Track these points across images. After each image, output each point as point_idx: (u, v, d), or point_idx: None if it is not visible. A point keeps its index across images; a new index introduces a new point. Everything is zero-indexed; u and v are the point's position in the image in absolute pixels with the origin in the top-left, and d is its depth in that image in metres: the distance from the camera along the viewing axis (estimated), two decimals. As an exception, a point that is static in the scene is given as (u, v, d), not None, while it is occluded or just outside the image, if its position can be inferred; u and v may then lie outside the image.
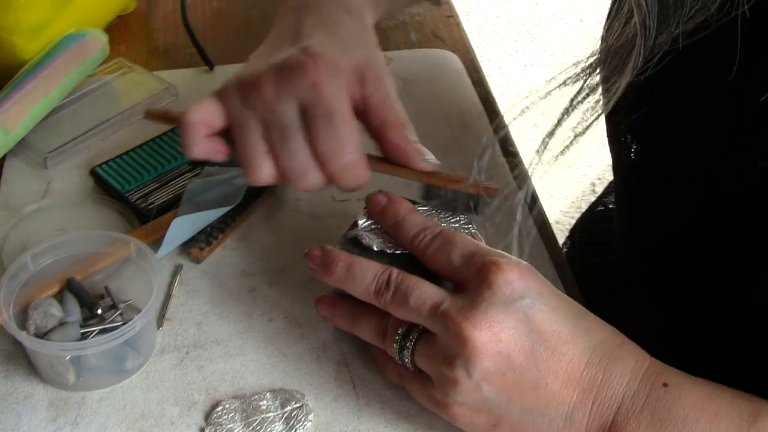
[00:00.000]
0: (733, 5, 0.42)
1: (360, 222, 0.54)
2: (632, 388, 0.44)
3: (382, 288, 0.48)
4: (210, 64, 0.78)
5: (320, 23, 0.57)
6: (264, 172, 0.53)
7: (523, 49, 2.10)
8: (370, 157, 0.55)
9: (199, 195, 0.63)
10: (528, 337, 0.44)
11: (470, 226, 0.54)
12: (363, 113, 0.54)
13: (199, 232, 0.62)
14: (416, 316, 0.47)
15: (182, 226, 0.60)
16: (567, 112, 0.49)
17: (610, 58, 0.46)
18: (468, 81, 0.78)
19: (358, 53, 0.55)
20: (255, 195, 0.65)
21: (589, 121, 0.48)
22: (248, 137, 0.53)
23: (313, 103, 0.52)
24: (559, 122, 0.49)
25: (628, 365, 0.45)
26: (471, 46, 0.85)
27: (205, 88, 0.72)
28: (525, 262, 0.46)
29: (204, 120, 0.54)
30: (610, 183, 0.80)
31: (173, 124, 0.63)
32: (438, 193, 0.56)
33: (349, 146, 0.52)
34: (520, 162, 0.59)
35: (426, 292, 0.47)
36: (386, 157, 0.55)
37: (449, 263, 0.48)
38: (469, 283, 0.46)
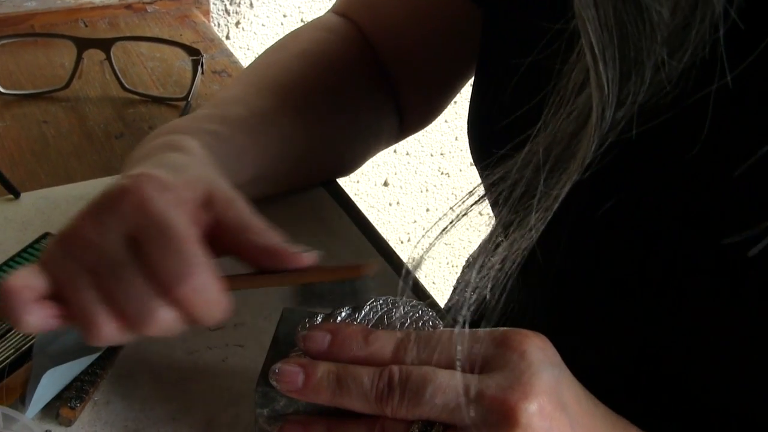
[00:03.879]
0: (708, 75, 0.39)
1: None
2: None
3: (384, 393, 0.43)
4: (15, 192, 0.70)
5: (145, 158, 0.53)
6: (107, 327, 0.46)
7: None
8: (229, 277, 0.49)
9: (51, 344, 0.55)
10: (565, 413, 0.43)
11: (432, 318, 0.49)
12: (218, 237, 0.48)
13: (66, 388, 0.55)
14: (437, 412, 0.43)
15: (52, 379, 0.53)
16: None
17: (549, 152, 0.42)
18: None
19: (195, 173, 0.50)
20: None
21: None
22: (76, 292, 0.46)
23: (141, 225, 0.46)
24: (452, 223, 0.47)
25: None
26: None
27: (15, 219, 0.65)
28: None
29: (26, 285, 0.46)
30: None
31: None
32: (317, 292, 0.50)
33: (194, 264, 0.45)
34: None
35: (443, 382, 0.43)
36: (256, 267, 0.49)
37: (455, 355, 0.44)
38: (492, 360, 0.43)
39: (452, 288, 0.93)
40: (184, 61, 0.90)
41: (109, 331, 0.46)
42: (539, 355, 0.43)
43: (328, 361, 0.46)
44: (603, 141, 0.41)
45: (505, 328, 0.45)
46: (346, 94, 0.72)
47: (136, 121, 0.84)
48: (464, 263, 0.92)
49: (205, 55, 0.88)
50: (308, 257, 0.49)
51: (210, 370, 0.58)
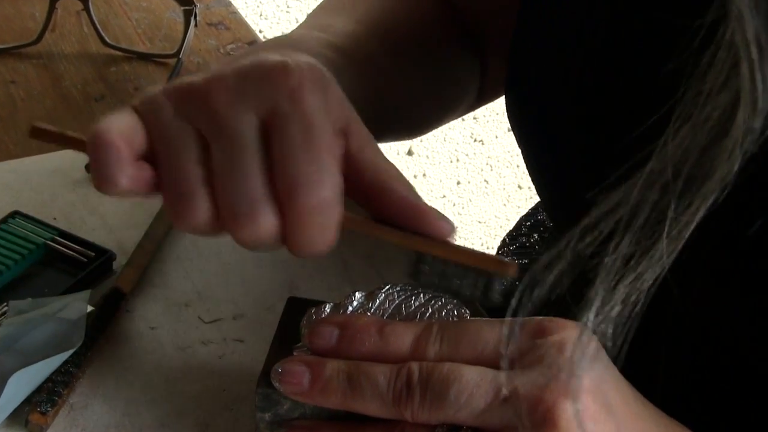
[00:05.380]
0: None
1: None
2: None
3: (403, 394, 0.43)
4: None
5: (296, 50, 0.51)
6: (199, 209, 0.44)
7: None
8: (354, 217, 0.47)
9: (19, 340, 0.56)
10: (611, 415, 0.43)
11: (456, 306, 0.49)
12: (348, 172, 0.47)
13: (36, 390, 0.54)
14: (464, 414, 0.42)
15: (20, 381, 0.53)
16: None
17: (679, 169, 0.39)
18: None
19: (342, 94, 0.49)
20: (99, 328, 0.59)
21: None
22: (179, 159, 0.44)
23: (287, 113, 0.44)
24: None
25: None
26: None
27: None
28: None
29: (124, 138, 0.44)
30: None
31: (73, 146, 0.50)
32: (447, 273, 0.48)
33: (328, 178, 0.44)
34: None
35: (470, 380, 0.42)
36: (387, 217, 0.47)
37: (481, 348, 0.44)
38: (526, 353, 0.43)
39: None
40: (175, 11, 0.89)
41: (200, 218, 0.44)
42: (579, 348, 0.42)
43: (337, 359, 0.45)
44: (744, 154, 0.39)
45: (539, 317, 0.44)
46: (437, 46, 0.72)
47: (119, 81, 0.84)
48: (500, 242, 0.90)
49: (198, 5, 0.87)
50: (450, 228, 0.47)
51: (205, 368, 0.58)
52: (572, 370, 0.42)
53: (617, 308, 0.42)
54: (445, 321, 0.47)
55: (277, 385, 0.46)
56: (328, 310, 0.48)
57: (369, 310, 0.48)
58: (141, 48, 0.88)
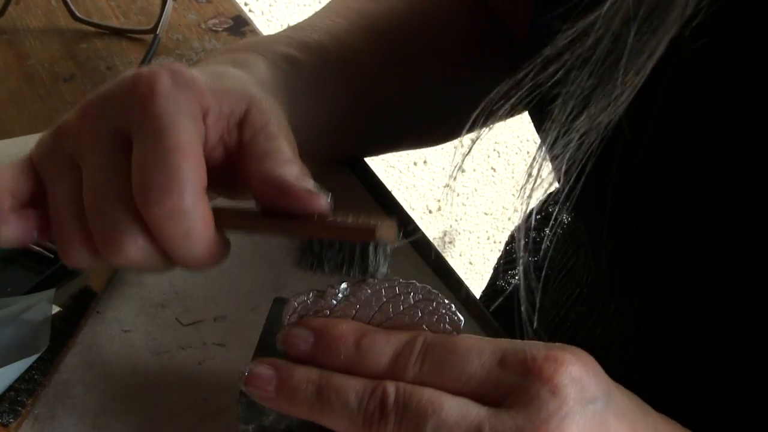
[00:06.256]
0: None
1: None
2: None
3: (375, 417, 0.42)
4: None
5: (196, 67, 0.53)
6: (72, 247, 0.48)
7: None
8: (223, 211, 0.48)
9: None
10: None
11: (449, 312, 0.48)
12: (237, 162, 0.49)
13: (-3, 400, 0.54)
14: None
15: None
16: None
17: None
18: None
19: (240, 85, 0.51)
20: (67, 331, 0.58)
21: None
22: (53, 197, 0.48)
23: (138, 122, 0.46)
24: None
25: None
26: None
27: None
28: (576, 347, 0.44)
29: (6, 187, 0.48)
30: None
31: None
32: (317, 252, 0.48)
33: (177, 182, 0.45)
34: None
35: (451, 414, 0.42)
36: (262, 204, 0.49)
37: (466, 378, 0.44)
38: (516, 391, 0.42)
39: (493, 267, 0.92)
40: (152, -18, 0.89)
41: (77, 253, 0.48)
42: (576, 390, 0.42)
43: (309, 367, 0.45)
44: None
45: (537, 346, 0.44)
46: (449, 48, 0.72)
47: (90, 59, 0.83)
48: (509, 236, 0.90)
49: (177, -25, 0.88)
50: (323, 202, 0.47)
51: (183, 375, 0.58)
52: (563, 418, 0.41)
53: (573, 143, 0.43)
54: (431, 336, 0.46)
55: (243, 388, 0.46)
56: (311, 301, 0.48)
57: (354, 306, 0.48)
58: (114, 23, 0.87)
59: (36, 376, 0.55)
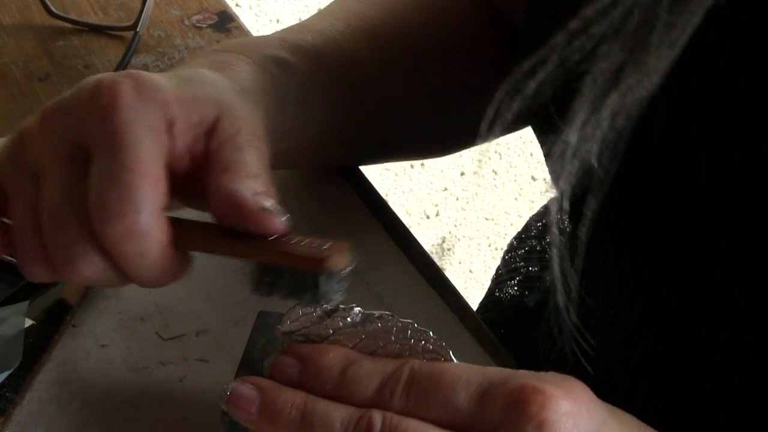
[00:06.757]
0: None
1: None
2: None
3: None
4: None
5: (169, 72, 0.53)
6: (30, 262, 0.49)
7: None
8: (183, 229, 0.48)
9: None
10: None
11: (425, 336, 0.48)
12: (203, 173, 0.49)
13: (-34, 420, 0.54)
14: None
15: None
16: None
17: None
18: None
19: (212, 92, 0.51)
20: (40, 346, 0.58)
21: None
22: (13, 209, 0.49)
23: (95, 136, 0.46)
24: None
25: None
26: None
27: None
28: (570, 377, 0.44)
29: None
30: None
31: None
32: (269, 278, 0.48)
33: (132, 202, 0.45)
34: None
35: None
36: (219, 221, 0.48)
37: (453, 411, 0.44)
38: (502, 428, 0.43)
39: (492, 277, 0.92)
40: (132, -24, 0.88)
41: (37, 268, 0.49)
42: (566, 426, 0.42)
43: (295, 390, 0.46)
44: None
45: (527, 376, 0.43)
46: (460, 54, 0.72)
47: (67, 57, 0.83)
48: (508, 245, 0.90)
49: (159, -31, 0.87)
50: (278, 223, 0.47)
51: (163, 393, 0.58)
52: None
53: (604, 123, 0.43)
54: (419, 365, 0.46)
55: (224, 407, 0.46)
56: (316, 316, 0.48)
57: (359, 335, 0.48)
58: (93, 19, 0.87)
59: (8, 394, 0.55)
